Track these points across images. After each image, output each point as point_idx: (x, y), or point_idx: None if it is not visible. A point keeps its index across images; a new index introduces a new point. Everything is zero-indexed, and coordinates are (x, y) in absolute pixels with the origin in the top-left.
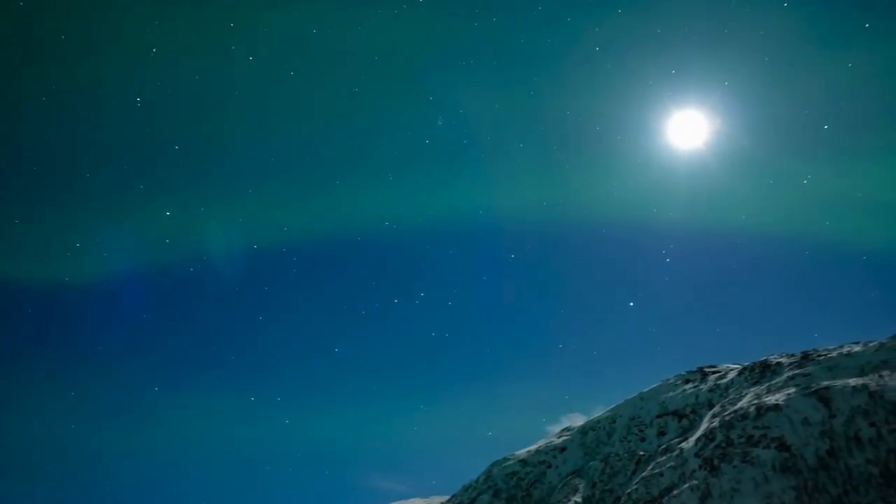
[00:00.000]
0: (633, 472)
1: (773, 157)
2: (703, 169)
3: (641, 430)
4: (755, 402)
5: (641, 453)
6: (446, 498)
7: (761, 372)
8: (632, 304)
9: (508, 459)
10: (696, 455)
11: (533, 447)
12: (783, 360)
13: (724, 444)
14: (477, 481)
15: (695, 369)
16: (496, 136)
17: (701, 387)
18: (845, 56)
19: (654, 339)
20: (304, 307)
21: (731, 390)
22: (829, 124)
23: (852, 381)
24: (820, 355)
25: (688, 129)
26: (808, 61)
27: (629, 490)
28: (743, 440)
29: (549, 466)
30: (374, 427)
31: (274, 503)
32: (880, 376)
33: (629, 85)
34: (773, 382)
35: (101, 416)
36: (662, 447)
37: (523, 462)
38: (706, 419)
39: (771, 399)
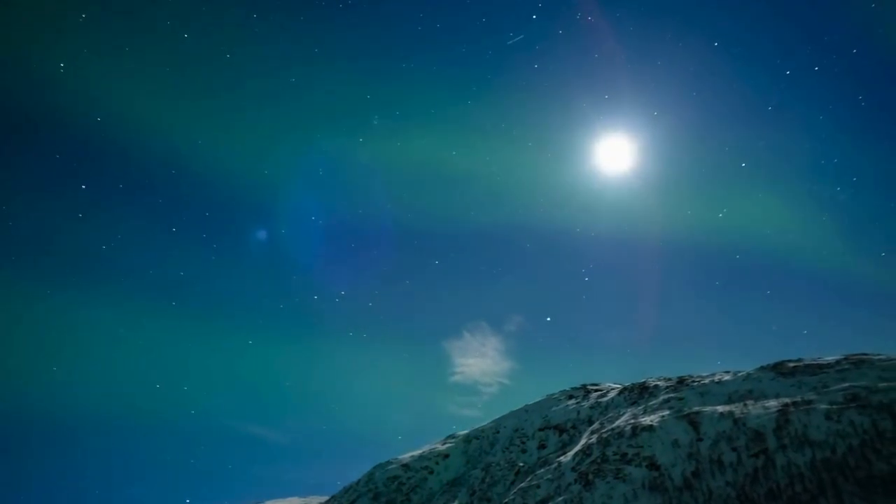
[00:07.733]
0: (513, 483)
1: (693, 188)
2: (627, 194)
3: (523, 442)
4: (632, 421)
5: (521, 464)
6: (325, 498)
7: (640, 393)
8: (549, 319)
9: (391, 463)
10: (573, 469)
11: (417, 452)
12: (660, 383)
13: (599, 460)
14: (358, 483)
15: (578, 386)
16: (430, 141)
17: (583, 403)
18: (767, 99)
19: (566, 353)
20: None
21: (610, 409)
22: (746, 162)
23: (720, 408)
24: (694, 381)
25: (615, 153)
26: (733, 101)
27: (506, 500)
28: (617, 457)
29: (431, 472)
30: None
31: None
32: (745, 404)
33: (563, 104)
34: (650, 404)
35: None
36: (542, 459)
37: (406, 467)
38: (585, 435)
39: (646, 420)
